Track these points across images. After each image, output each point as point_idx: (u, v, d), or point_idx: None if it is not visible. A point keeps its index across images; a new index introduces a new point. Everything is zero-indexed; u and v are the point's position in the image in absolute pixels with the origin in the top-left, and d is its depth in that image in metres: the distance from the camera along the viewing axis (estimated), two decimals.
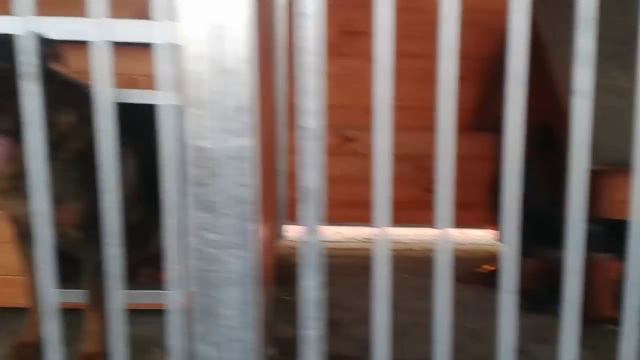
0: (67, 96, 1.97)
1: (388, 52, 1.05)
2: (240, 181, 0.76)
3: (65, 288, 2.35)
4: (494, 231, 4.13)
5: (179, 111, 0.86)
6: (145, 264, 2.64)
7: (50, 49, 1.85)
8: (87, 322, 2.07)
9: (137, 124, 2.39)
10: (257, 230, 0.78)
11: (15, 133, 1.75)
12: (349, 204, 3.77)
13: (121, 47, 2.24)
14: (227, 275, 0.78)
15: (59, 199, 1.95)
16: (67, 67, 1.89)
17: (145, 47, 2.21)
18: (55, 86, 1.90)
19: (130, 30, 2.21)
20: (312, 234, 0.96)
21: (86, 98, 2.09)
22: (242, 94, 0.75)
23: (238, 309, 0.76)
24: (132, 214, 2.36)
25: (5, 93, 1.70)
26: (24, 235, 2.09)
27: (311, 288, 1.00)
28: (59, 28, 1.95)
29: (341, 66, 3.98)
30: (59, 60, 1.87)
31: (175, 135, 0.75)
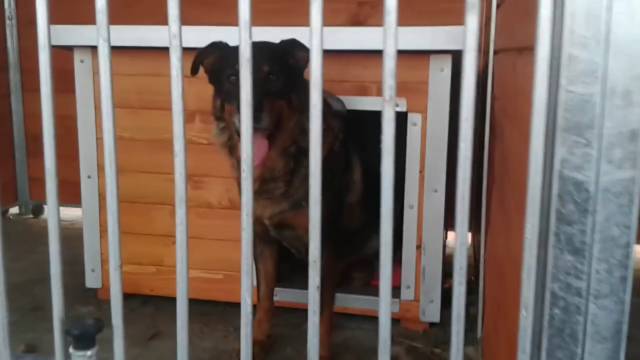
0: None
1: None
2: (620, 221, 0.63)
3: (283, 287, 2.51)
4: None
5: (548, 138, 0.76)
6: (357, 268, 2.63)
7: (308, 55, 1.90)
8: None
9: (363, 131, 2.40)
10: (630, 279, 0.64)
11: (271, 135, 1.85)
12: None
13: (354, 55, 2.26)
14: (593, 329, 0.65)
15: (299, 204, 2.00)
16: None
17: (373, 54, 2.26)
18: (308, 93, 1.95)
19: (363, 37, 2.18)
20: None
21: (329, 107, 2.15)
22: (631, 117, 0.62)
23: None
24: (354, 220, 2.41)
25: (269, 94, 1.81)
26: (258, 236, 2.18)
27: None
28: (298, 37, 1.98)
29: None
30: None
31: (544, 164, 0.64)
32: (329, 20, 2.95)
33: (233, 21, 2.93)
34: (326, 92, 2.12)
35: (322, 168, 2.06)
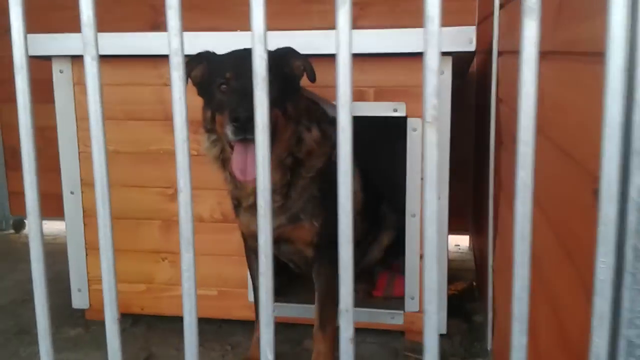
0: (313, 113, 1.93)
1: None
2: None
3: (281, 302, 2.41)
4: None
5: None
6: (358, 279, 2.53)
7: (304, 63, 1.81)
8: (316, 342, 1.99)
9: (360, 138, 2.30)
10: None
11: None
12: None
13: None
14: None
15: (297, 217, 1.90)
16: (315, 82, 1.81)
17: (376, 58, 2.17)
18: (304, 102, 1.87)
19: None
20: None
21: (326, 114, 2.05)
22: None
23: None
24: (356, 231, 2.30)
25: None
26: (254, 251, 2.07)
27: None
28: (297, 42, 1.88)
29: None
30: (311, 75, 1.81)
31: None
32: (315, 22, 2.84)
33: (222, 26, 2.83)
34: (321, 99, 2.02)
35: (320, 180, 1.98)
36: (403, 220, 2.37)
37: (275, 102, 1.76)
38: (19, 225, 3.77)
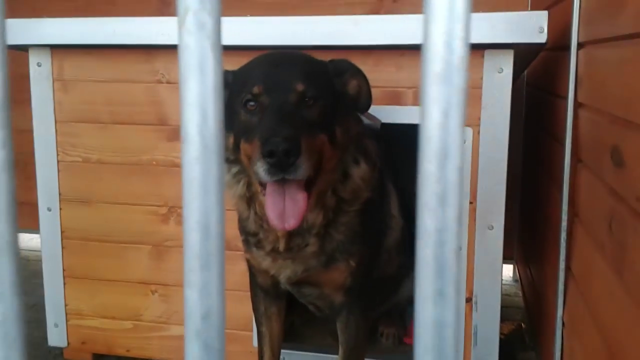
0: (361, 138, 1.54)
1: None
2: None
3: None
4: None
5: None
6: (386, 321, 2.10)
7: (361, 83, 1.48)
8: None
9: (394, 148, 1.88)
10: None
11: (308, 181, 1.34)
12: None
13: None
14: None
15: (333, 259, 1.49)
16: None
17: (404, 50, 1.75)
18: (354, 128, 1.45)
19: None
20: None
21: (359, 122, 1.63)
22: None
23: None
24: (391, 265, 1.89)
25: (306, 126, 1.31)
26: (263, 289, 1.67)
27: None
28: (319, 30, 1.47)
29: None
30: (366, 100, 1.49)
31: None
32: (343, 14, 2.38)
33: (224, 12, 2.42)
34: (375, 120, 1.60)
35: (365, 211, 1.55)
36: None
37: (322, 125, 1.33)
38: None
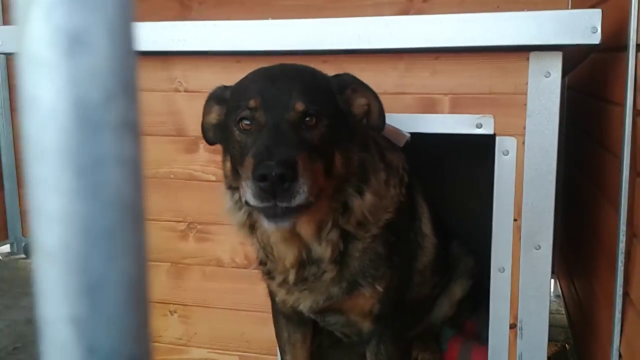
0: (369, 165, 1.38)
1: None
2: None
3: None
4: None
5: None
6: (420, 345, 1.95)
7: (370, 101, 1.34)
8: None
9: (425, 159, 1.74)
10: None
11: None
12: None
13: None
14: None
15: (355, 285, 1.36)
16: None
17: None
18: (356, 155, 1.30)
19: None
20: None
21: (387, 144, 1.50)
22: None
23: None
24: (425, 286, 1.75)
25: (305, 147, 1.18)
26: (286, 316, 1.55)
27: None
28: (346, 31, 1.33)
29: None
30: (379, 121, 1.35)
31: None
32: (371, 15, 2.23)
33: (247, 16, 2.30)
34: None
35: (387, 232, 1.41)
36: (479, 263, 1.81)
37: (321, 150, 1.19)
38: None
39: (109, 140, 0.32)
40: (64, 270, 0.33)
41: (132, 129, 0.33)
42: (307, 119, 1.19)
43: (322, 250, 1.32)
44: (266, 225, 1.17)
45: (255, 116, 1.21)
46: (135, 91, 0.33)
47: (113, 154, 0.32)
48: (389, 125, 1.51)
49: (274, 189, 1.07)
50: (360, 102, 1.31)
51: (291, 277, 1.34)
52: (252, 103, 1.21)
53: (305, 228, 1.30)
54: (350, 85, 1.31)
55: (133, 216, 0.34)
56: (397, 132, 1.53)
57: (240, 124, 1.22)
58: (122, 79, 0.32)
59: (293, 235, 1.31)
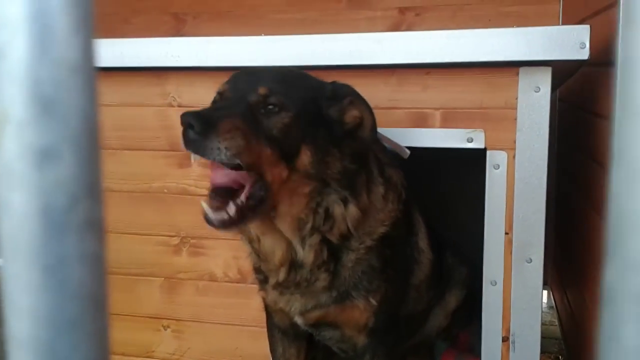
0: (358, 176, 1.38)
1: None
2: None
3: None
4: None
5: None
6: (413, 358, 1.95)
7: (364, 114, 1.35)
8: None
9: (420, 174, 1.75)
10: None
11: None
12: None
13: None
14: None
15: (347, 295, 1.37)
16: None
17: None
18: (339, 162, 1.31)
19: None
20: None
21: (383, 150, 1.51)
22: None
23: None
24: (421, 302, 1.75)
25: (248, 122, 1.22)
26: (280, 329, 1.56)
27: None
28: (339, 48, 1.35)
29: None
30: (371, 134, 1.36)
31: None
32: (363, 31, 2.28)
33: (241, 29, 2.31)
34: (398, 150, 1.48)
35: (382, 245, 1.42)
36: (472, 273, 1.81)
37: (274, 139, 1.21)
38: None
39: (73, 240, 0.36)
40: (33, 358, 0.37)
41: (96, 227, 0.37)
42: (269, 106, 1.22)
43: (305, 254, 1.33)
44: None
45: (223, 95, 1.28)
46: (99, 192, 0.37)
47: (77, 251, 0.36)
48: (390, 140, 1.53)
49: (186, 137, 1.14)
50: (353, 114, 1.32)
51: (281, 275, 1.35)
52: (222, 86, 1.29)
53: (282, 223, 1.30)
54: (348, 96, 1.32)
55: (96, 307, 0.38)
56: (400, 147, 1.55)
57: (212, 104, 1.30)
58: (87, 184, 0.37)
59: (273, 230, 1.32)
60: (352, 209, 1.32)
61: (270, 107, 1.22)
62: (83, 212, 0.36)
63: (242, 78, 1.28)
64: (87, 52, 0.36)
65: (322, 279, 1.36)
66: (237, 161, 1.15)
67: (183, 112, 1.15)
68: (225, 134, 1.12)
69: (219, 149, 1.12)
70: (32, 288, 0.36)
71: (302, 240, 1.32)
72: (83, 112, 0.36)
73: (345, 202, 1.31)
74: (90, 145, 0.37)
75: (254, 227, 1.35)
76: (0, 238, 0.36)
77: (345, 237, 1.34)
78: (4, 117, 0.35)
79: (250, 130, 1.17)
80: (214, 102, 1.30)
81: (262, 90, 1.22)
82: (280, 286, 1.38)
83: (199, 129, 1.11)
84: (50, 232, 0.36)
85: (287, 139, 1.22)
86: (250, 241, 1.39)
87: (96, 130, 0.37)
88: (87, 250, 0.37)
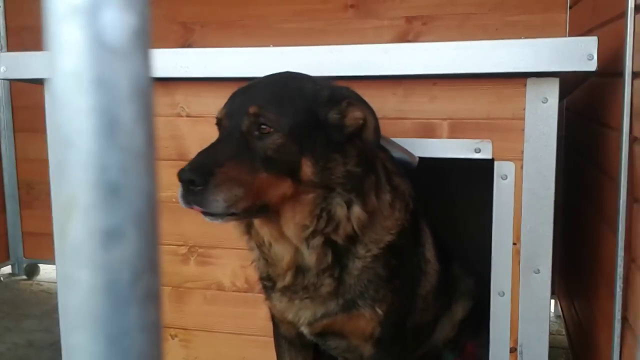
0: (363, 179, 1.38)
1: None
2: None
3: None
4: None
5: None
6: None
7: (366, 116, 1.33)
8: None
9: (426, 184, 1.75)
10: None
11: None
12: None
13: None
14: None
15: (353, 304, 1.38)
16: None
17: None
18: (341, 167, 1.31)
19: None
20: None
21: (390, 159, 1.52)
22: None
23: None
24: (427, 312, 1.75)
25: (242, 156, 1.24)
26: (287, 339, 1.56)
27: None
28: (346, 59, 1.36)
29: None
30: (374, 137, 1.35)
31: None
32: (370, 40, 2.29)
33: (248, 39, 2.32)
34: (384, 137, 1.47)
35: (388, 254, 1.43)
36: (480, 284, 1.81)
37: (269, 160, 1.23)
38: (32, 270, 3.35)
39: (135, 312, 0.38)
40: None
41: (155, 298, 0.40)
42: (262, 126, 1.22)
43: (308, 257, 1.34)
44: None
45: (222, 124, 1.30)
46: (158, 266, 0.40)
47: (139, 322, 0.39)
48: (400, 145, 1.54)
49: (186, 193, 1.15)
50: (355, 116, 1.31)
51: (288, 279, 1.36)
52: (219, 113, 1.31)
53: (288, 228, 1.32)
54: (346, 98, 1.31)
55: None
56: (410, 153, 1.56)
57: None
58: (148, 259, 0.39)
59: (281, 235, 1.34)
60: (357, 210, 1.32)
61: (263, 127, 1.22)
62: (145, 286, 0.39)
63: (236, 100, 1.29)
64: (149, 139, 0.39)
65: (327, 284, 1.36)
66: (233, 211, 1.17)
67: (180, 170, 1.16)
68: (221, 186, 1.14)
69: (217, 200, 1.14)
70: (95, 358, 0.38)
71: (307, 244, 1.33)
72: (146, 194, 0.39)
73: (349, 204, 1.31)
74: (151, 223, 0.39)
75: (265, 234, 1.38)
76: (64, 309, 0.39)
77: (352, 238, 1.35)
78: (73, 202, 0.37)
79: (244, 164, 1.19)
80: (218, 125, 1.32)
81: (252, 110, 1.23)
82: (288, 290, 1.39)
83: (200, 181, 1.13)
84: (113, 305, 0.38)
85: (284, 156, 1.23)
86: (260, 246, 1.40)
87: (156, 209, 0.39)
88: (148, 321, 0.39)
